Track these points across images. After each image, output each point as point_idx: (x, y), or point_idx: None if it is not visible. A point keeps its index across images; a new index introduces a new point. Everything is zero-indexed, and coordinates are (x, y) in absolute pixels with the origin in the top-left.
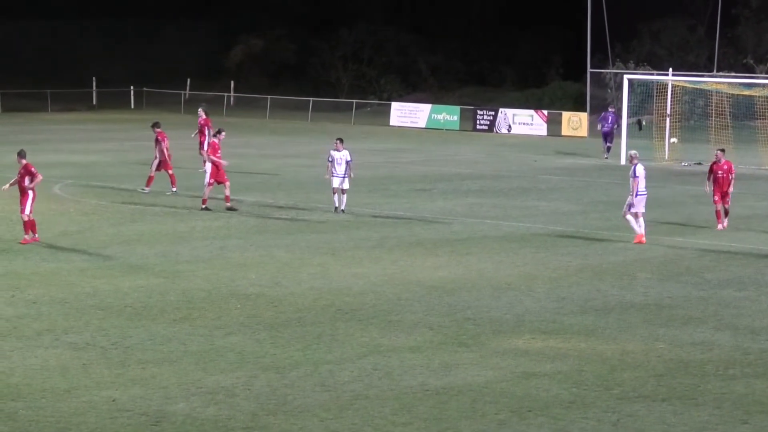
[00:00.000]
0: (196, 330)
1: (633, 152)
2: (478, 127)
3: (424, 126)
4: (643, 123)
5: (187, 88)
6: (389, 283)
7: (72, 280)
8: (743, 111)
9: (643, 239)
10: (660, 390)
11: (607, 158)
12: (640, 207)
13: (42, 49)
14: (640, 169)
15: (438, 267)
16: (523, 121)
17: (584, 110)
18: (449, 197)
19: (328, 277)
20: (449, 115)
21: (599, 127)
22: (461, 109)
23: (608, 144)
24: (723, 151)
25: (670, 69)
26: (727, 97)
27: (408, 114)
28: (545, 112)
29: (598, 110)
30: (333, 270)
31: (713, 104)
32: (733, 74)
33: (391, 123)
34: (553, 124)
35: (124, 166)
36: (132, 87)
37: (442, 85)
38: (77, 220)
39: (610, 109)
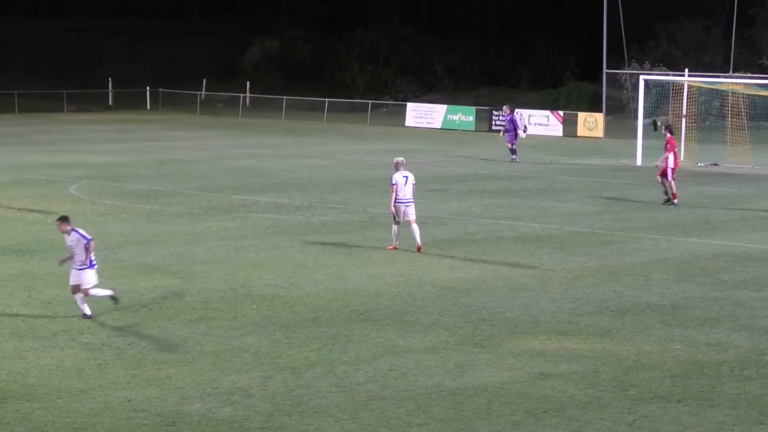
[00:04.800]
0: (212, 330)
1: (398, 159)
2: (493, 127)
3: (439, 127)
4: (658, 123)
5: (203, 88)
6: (404, 283)
7: None
8: (759, 111)
9: (419, 250)
10: (675, 391)
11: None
12: (405, 215)
13: (58, 49)
14: (397, 176)
15: (453, 268)
16: (538, 122)
17: (600, 111)
18: (464, 198)
19: (344, 277)
20: (465, 116)
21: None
22: (477, 109)
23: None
24: None
25: (686, 70)
26: (743, 97)
27: (423, 114)
28: (561, 112)
29: (614, 111)
30: (348, 271)
31: (729, 105)
32: (749, 75)
33: (407, 123)
34: (569, 124)
35: (140, 167)
36: (148, 87)
37: (457, 85)
38: (93, 221)
39: (510, 112)
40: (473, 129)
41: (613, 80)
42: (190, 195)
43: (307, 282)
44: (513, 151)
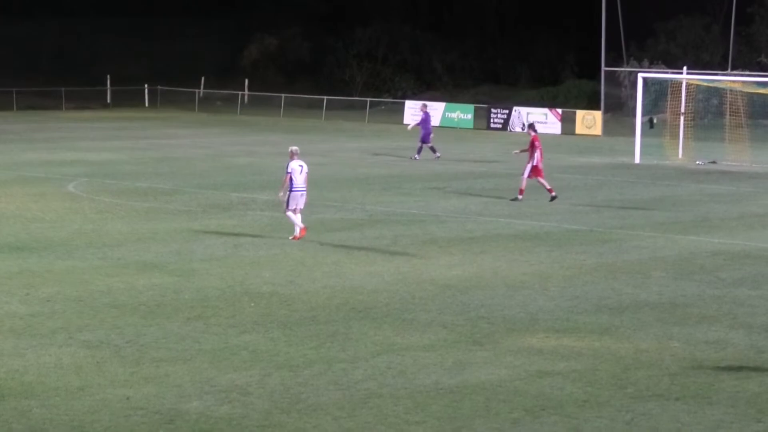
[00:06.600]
0: (210, 328)
1: (293, 147)
2: (492, 125)
3: (437, 124)
4: (654, 121)
5: (202, 86)
6: (403, 281)
7: (86, 278)
8: (758, 109)
9: (304, 232)
10: (674, 389)
11: (438, 156)
12: (299, 204)
13: (57, 47)
14: (294, 165)
15: (452, 265)
16: (537, 120)
17: (598, 109)
18: (463, 195)
19: (342, 275)
20: (463, 114)
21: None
22: (475, 107)
23: (430, 144)
24: None
25: (685, 67)
26: (741, 95)
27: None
28: (559, 110)
29: (612, 109)
30: (347, 268)
31: (728, 103)
32: (748, 73)
33: (405, 121)
34: (568, 122)
35: (138, 164)
36: (146, 85)
37: (456, 83)
38: (91, 218)
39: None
40: (472, 127)
41: (611, 78)
42: (188, 193)
43: (306, 280)
44: (419, 150)
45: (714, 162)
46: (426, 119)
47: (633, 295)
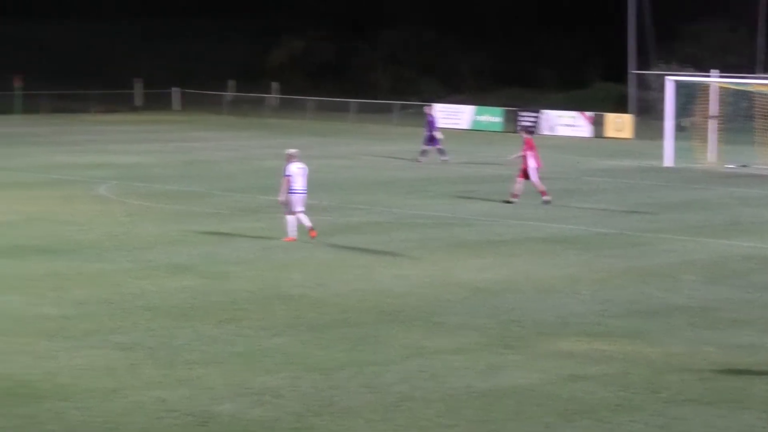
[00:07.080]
0: (241, 331)
1: (291, 150)
2: (518, 128)
3: (466, 127)
4: (686, 125)
5: (230, 89)
6: (431, 284)
7: (117, 280)
8: None
9: (290, 240)
10: (707, 393)
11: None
12: (297, 206)
13: (85, 50)
14: (293, 168)
15: (481, 268)
16: (566, 123)
17: (625, 111)
18: (491, 199)
19: (371, 278)
20: (492, 117)
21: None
22: (504, 110)
23: (438, 146)
24: None
25: (715, 71)
26: None
27: (450, 115)
28: (589, 113)
29: (642, 112)
30: (375, 271)
31: (757, 106)
32: None
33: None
34: (597, 125)
35: (167, 167)
36: (177, 88)
37: (482, 86)
38: (121, 221)
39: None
40: (501, 130)
41: (640, 81)
42: (217, 195)
43: (335, 282)
44: (440, 151)
45: (745, 165)
46: (430, 122)
47: (664, 299)
